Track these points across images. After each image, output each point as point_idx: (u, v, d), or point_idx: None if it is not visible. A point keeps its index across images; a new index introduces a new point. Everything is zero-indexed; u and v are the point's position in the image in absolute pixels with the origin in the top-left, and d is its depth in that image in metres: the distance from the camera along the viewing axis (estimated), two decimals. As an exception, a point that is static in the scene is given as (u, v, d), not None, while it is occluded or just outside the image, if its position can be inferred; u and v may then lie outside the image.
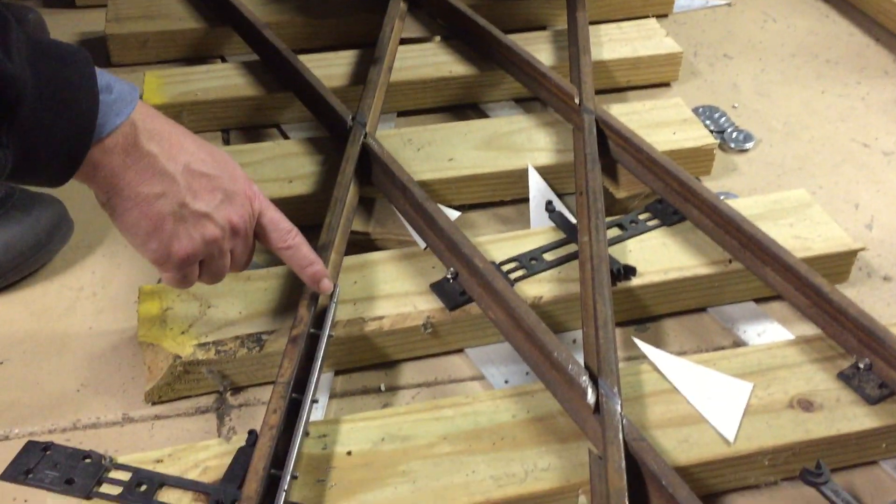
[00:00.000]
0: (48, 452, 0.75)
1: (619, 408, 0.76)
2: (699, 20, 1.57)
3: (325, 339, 0.83)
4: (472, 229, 1.10)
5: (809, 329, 0.94)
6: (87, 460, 0.75)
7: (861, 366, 0.85)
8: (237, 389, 0.90)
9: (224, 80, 1.26)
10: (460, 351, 0.95)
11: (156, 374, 0.87)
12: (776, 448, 0.79)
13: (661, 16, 1.53)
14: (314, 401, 0.79)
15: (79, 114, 0.66)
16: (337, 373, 0.92)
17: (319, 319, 0.85)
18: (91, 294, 1.00)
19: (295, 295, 0.89)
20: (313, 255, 0.85)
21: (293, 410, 0.77)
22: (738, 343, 0.96)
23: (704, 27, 1.55)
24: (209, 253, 0.78)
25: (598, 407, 0.77)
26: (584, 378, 0.78)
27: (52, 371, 0.91)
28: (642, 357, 0.89)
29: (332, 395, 0.90)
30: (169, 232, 0.74)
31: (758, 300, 1.00)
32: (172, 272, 0.78)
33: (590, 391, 0.77)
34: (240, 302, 0.92)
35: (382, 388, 0.91)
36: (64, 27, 1.46)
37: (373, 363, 0.93)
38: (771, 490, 0.81)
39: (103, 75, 0.69)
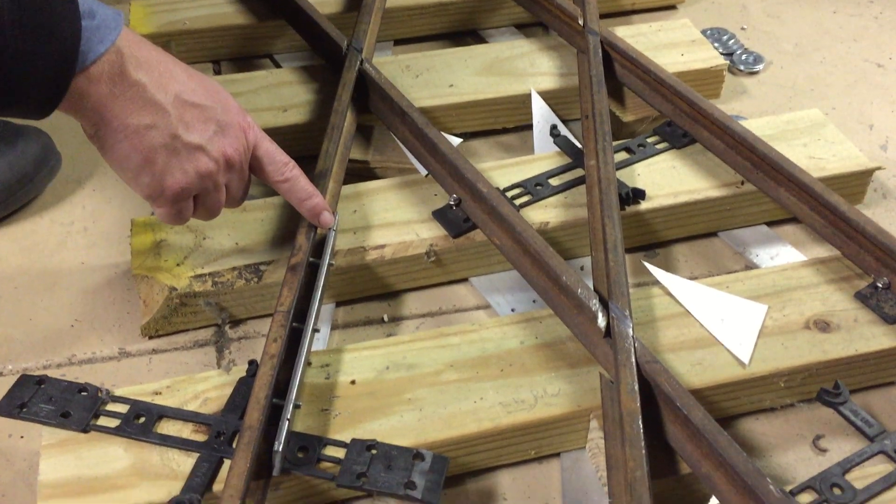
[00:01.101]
0: (43, 386, 0.73)
1: (630, 330, 0.74)
2: (705, -60, 1.51)
3: (325, 268, 0.80)
4: (473, 157, 1.06)
5: (823, 252, 0.92)
6: (83, 393, 0.72)
7: (879, 285, 0.82)
8: (236, 322, 0.87)
9: (213, 8, 1.21)
10: (465, 280, 0.92)
11: (151, 308, 0.84)
12: (792, 369, 0.77)
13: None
14: (315, 330, 0.76)
15: (60, 40, 0.62)
16: (338, 304, 0.89)
17: (319, 248, 0.83)
18: (82, 229, 0.97)
19: (292, 225, 0.86)
20: (312, 188, 0.81)
21: (294, 340, 0.74)
22: (751, 267, 0.93)
23: (711, -53, 1.50)
24: (203, 187, 0.75)
25: (608, 330, 0.75)
26: (595, 301, 0.76)
27: (45, 307, 0.89)
28: (652, 283, 0.87)
29: (334, 327, 0.88)
30: (161, 165, 0.71)
31: (770, 223, 0.97)
32: (166, 207, 0.75)
33: (600, 315, 0.75)
34: (236, 233, 0.89)
35: (385, 318, 0.89)
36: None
37: (375, 294, 0.90)
38: (787, 412, 0.79)
39: (85, 0, 0.65)
